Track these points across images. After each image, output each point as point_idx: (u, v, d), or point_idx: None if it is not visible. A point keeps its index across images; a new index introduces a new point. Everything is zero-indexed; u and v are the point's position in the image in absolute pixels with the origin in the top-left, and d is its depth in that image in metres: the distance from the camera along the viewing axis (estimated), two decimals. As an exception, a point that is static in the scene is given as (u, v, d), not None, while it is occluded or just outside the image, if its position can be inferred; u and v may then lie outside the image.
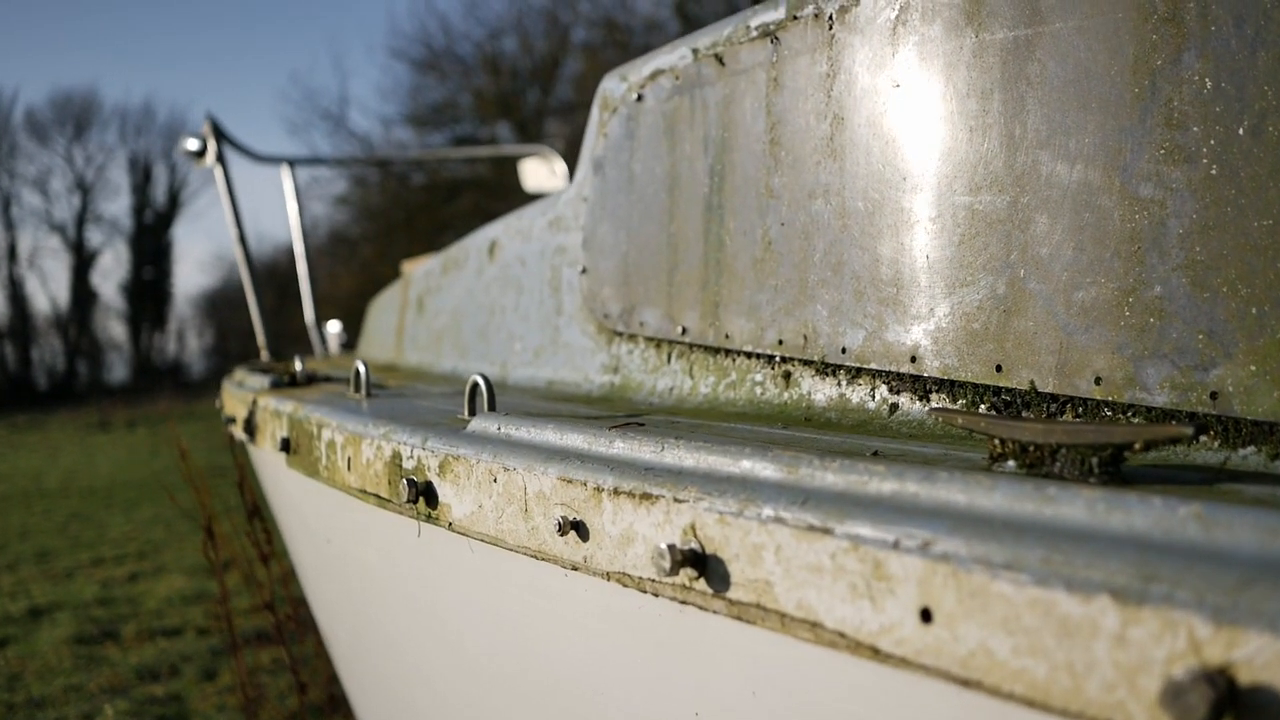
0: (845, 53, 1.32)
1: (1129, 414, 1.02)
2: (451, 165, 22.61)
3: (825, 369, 1.36)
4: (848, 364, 1.31)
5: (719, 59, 1.53)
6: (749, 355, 1.49)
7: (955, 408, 1.17)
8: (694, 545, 0.92)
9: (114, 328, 41.64)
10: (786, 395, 1.42)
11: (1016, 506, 0.74)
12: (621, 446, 1.08)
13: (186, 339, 44.80)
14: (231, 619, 3.78)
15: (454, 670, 1.55)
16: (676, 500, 0.94)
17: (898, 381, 1.26)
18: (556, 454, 1.12)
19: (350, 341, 4.99)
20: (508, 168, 20.21)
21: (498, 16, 29.00)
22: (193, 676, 4.83)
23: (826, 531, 0.80)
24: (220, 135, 3.81)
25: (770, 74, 1.44)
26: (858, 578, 0.78)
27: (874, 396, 1.29)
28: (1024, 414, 1.12)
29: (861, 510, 0.80)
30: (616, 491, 1.00)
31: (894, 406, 1.27)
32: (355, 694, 2.45)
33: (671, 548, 0.91)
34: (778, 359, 1.44)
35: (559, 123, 23.22)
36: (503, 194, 21.27)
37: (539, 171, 4.94)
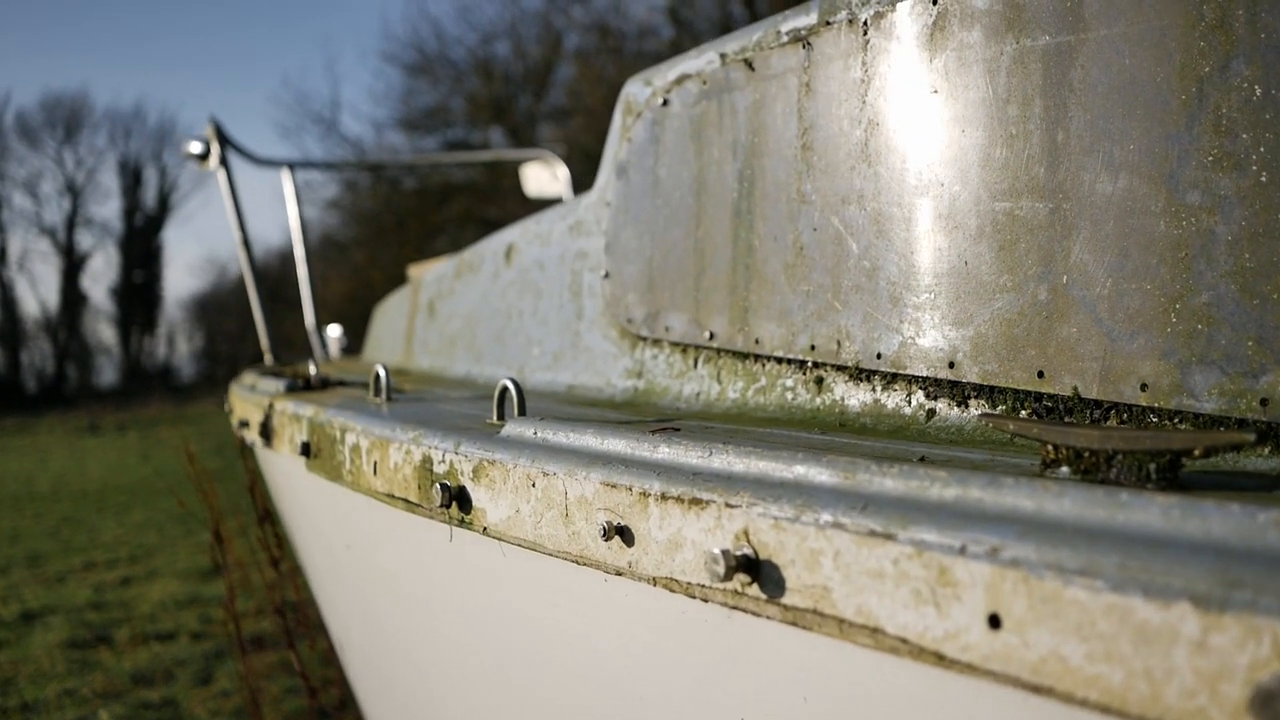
0: (881, 58, 1.32)
1: (1175, 420, 1.02)
2: (443, 169, 22.58)
3: (859, 374, 1.36)
4: (883, 369, 1.31)
5: (748, 64, 1.53)
6: (779, 360, 1.49)
7: (1007, 414, 1.17)
8: (747, 551, 0.91)
9: (104, 331, 41.53)
10: (819, 400, 1.42)
11: (1087, 513, 0.73)
12: (666, 451, 1.08)
13: (176, 342, 44.68)
14: (239, 621, 3.76)
15: (480, 675, 1.54)
16: (728, 505, 0.93)
17: (935, 387, 1.26)
18: (598, 459, 1.11)
19: (350, 346, 4.96)
20: (500, 172, 20.21)
21: (490, 21, 29.04)
22: (187, 681, 4.80)
23: (889, 537, 0.80)
24: (223, 138, 3.80)
25: (802, 79, 1.43)
26: (921, 583, 0.77)
27: (910, 402, 1.29)
28: (1066, 420, 1.12)
29: (924, 516, 0.79)
30: (664, 496, 1.00)
31: (931, 412, 1.26)
32: (368, 699, 2.43)
33: (725, 553, 0.90)
34: (810, 364, 1.43)
35: (552, 127, 23.23)
36: (495, 199, 21.26)
37: (541, 176, 4.93)
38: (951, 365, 1.22)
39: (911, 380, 1.29)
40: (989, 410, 1.20)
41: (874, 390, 1.34)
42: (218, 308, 43.86)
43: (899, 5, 1.29)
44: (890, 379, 1.32)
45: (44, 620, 5.90)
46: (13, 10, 65.10)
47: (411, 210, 23.50)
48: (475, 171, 21.91)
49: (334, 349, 4.67)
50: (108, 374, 40.63)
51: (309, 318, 4.51)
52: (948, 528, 0.77)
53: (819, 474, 0.92)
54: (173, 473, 12.17)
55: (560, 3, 22.23)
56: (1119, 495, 0.73)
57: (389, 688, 2.08)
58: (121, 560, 7.56)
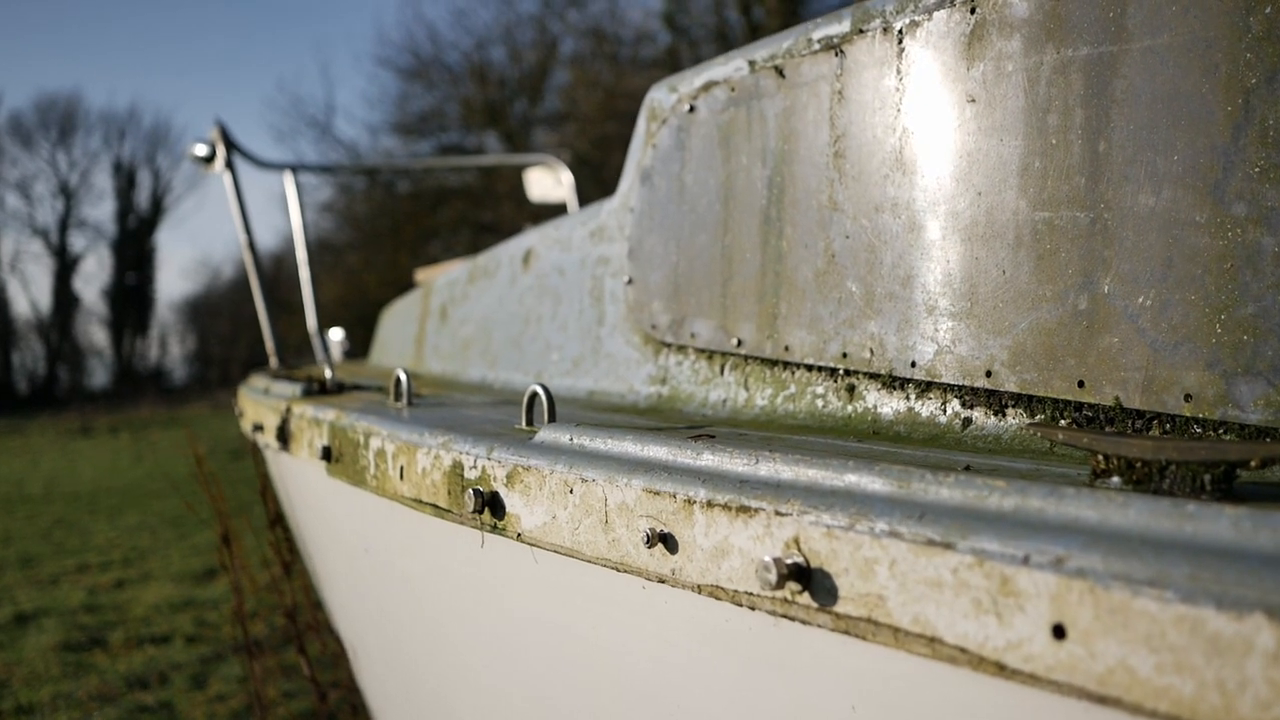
0: (916, 66, 1.32)
1: (1220, 431, 1.03)
2: (438, 174, 22.55)
3: (892, 382, 1.36)
4: (917, 378, 1.31)
5: (779, 71, 1.53)
6: (810, 368, 1.49)
7: (1052, 424, 1.17)
8: (798, 559, 0.91)
9: (96, 333, 41.36)
10: (851, 408, 1.41)
11: (1153, 523, 0.73)
12: (710, 458, 1.07)
13: (168, 345, 44.50)
14: (246, 623, 3.74)
15: (504, 681, 1.54)
16: (778, 514, 0.93)
17: (971, 396, 1.26)
18: (640, 465, 1.11)
19: (352, 350, 4.94)
20: (495, 176, 20.20)
21: (486, 26, 28.94)
22: (182, 685, 4.78)
23: (948, 546, 0.80)
24: (228, 141, 3.78)
25: (834, 86, 1.44)
26: (982, 593, 0.77)
27: (945, 410, 1.29)
28: (1107, 429, 1.12)
29: (984, 525, 0.79)
30: (710, 504, 1.00)
31: (967, 421, 1.26)
32: (381, 705, 2.42)
33: (777, 561, 0.90)
34: (841, 372, 1.43)
35: (546, 132, 23.23)
36: (490, 203, 21.25)
37: (544, 181, 4.92)
38: (989, 374, 1.22)
39: (947, 389, 1.29)
40: (1027, 419, 1.20)
41: (908, 398, 1.34)
42: (210, 310, 43.78)
43: (935, 14, 1.29)
44: (925, 387, 1.32)
45: (37, 622, 5.87)
46: (7, 11, 64.99)
47: (406, 214, 23.46)
48: (470, 176, 21.90)
49: (336, 352, 4.65)
50: (99, 376, 40.51)
51: (311, 321, 4.49)
52: (1009, 537, 0.77)
53: (872, 482, 0.91)
54: (165, 475, 12.12)
55: (556, 7, 22.24)
56: (1185, 506, 0.73)
57: (406, 693, 2.07)
58: (115, 563, 7.52)
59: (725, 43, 17.03)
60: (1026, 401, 1.20)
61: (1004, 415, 1.22)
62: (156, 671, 4.97)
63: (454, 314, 2.75)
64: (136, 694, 4.67)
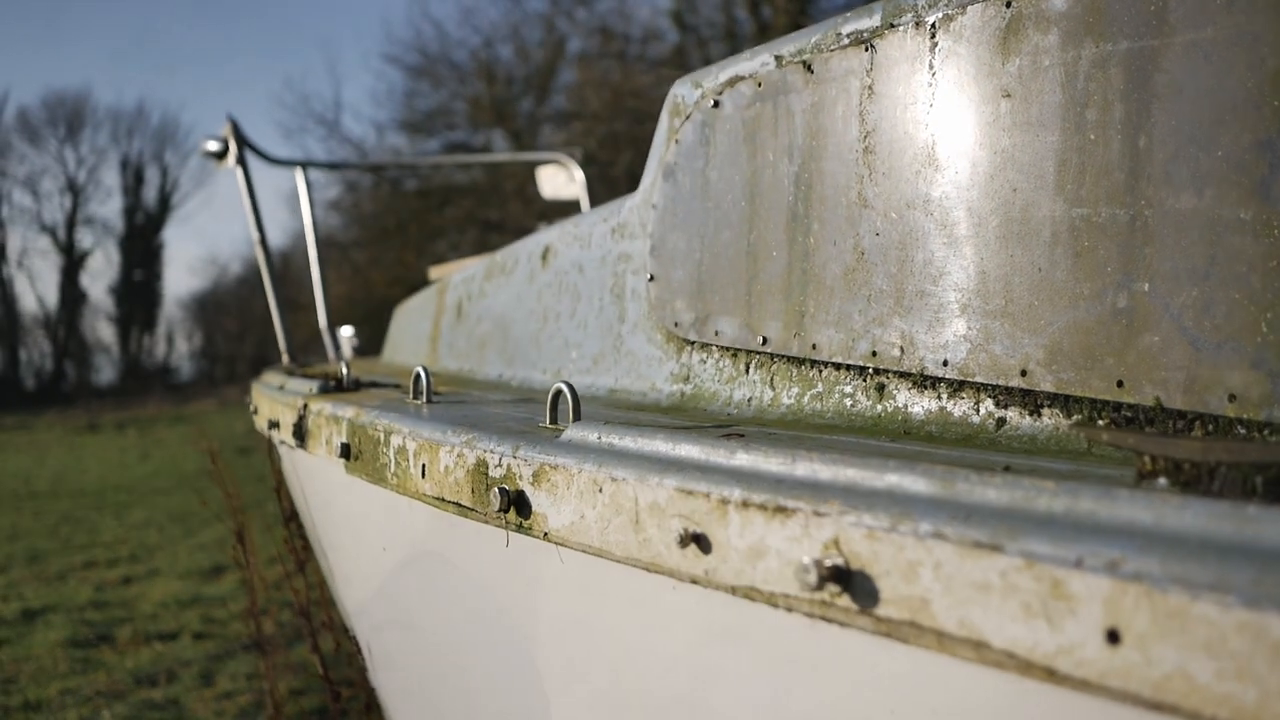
0: (949, 61, 1.30)
1: (1265, 432, 1.01)
2: (445, 171, 22.57)
3: (924, 381, 1.34)
4: (949, 377, 1.29)
5: (806, 66, 1.51)
6: (837, 366, 1.47)
7: (1089, 423, 1.15)
8: (838, 561, 0.89)
9: (103, 329, 41.45)
10: (880, 408, 1.40)
11: (1213, 526, 0.71)
12: (745, 457, 1.06)
13: (175, 341, 44.60)
14: (259, 619, 3.73)
15: (529, 682, 1.52)
16: (817, 514, 0.91)
17: (1005, 395, 1.24)
18: (672, 464, 1.09)
19: (360, 347, 4.93)
20: (502, 175, 20.21)
21: (493, 24, 29.00)
22: (190, 682, 4.77)
23: (995, 549, 0.78)
24: (240, 138, 3.78)
25: (864, 82, 1.42)
26: (1032, 596, 0.76)
27: (978, 410, 1.27)
28: (1147, 430, 1.10)
29: (1034, 527, 0.77)
30: (745, 504, 0.98)
31: (1001, 421, 1.24)
32: (397, 705, 2.40)
33: (818, 563, 0.88)
34: (870, 370, 1.42)
35: (554, 130, 23.21)
36: (497, 201, 21.26)
37: (557, 178, 4.91)
38: (1024, 373, 1.20)
39: (980, 388, 1.27)
40: (1064, 419, 1.18)
41: (939, 398, 1.32)
42: (216, 307, 43.88)
43: (970, 8, 1.27)
44: (957, 386, 1.30)
45: (45, 618, 5.87)
46: (14, 7, 65.14)
47: (413, 212, 23.47)
48: (477, 174, 21.91)
49: (347, 349, 4.65)
50: (106, 372, 40.58)
51: (322, 318, 4.48)
52: (1060, 540, 0.75)
53: (914, 483, 0.90)
54: (172, 472, 12.13)
55: (564, 5, 22.22)
56: (1246, 509, 0.71)
57: (423, 694, 2.05)
58: (122, 559, 7.52)
59: (734, 41, 17.02)
60: (1063, 401, 1.18)
61: (1039, 415, 1.21)
62: (164, 668, 4.97)
63: (470, 311, 2.74)
64: (144, 690, 4.66)
